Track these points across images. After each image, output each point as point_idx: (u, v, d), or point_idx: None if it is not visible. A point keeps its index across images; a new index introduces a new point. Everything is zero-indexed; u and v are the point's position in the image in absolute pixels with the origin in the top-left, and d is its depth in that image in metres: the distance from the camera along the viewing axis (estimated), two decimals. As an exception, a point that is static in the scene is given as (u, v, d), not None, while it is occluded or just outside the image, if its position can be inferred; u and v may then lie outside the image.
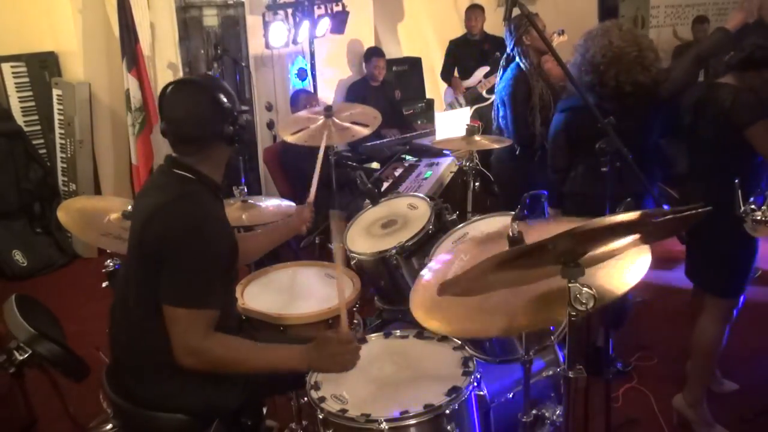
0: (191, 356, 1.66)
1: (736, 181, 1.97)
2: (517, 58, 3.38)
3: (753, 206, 1.93)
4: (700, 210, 1.16)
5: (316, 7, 5.18)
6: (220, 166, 1.85)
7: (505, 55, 3.50)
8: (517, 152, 3.37)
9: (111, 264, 2.45)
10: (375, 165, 4.85)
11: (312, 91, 5.27)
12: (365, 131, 2.93)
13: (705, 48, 2.71)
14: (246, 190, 2.90)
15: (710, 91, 2.43)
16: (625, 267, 1.39)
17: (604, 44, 2.63)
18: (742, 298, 2.57)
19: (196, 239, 1.66)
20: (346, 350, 1.74)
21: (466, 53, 5.67)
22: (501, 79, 3.51)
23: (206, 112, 1.74)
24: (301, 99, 4.42)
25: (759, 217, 1.90)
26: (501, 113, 3.49)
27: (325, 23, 5.23)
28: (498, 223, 2.20)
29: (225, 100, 1.76)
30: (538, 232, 1.70)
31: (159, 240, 1.67)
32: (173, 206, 1.70)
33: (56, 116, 4.67)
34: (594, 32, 2.70)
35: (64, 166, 4.74)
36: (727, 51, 2.47)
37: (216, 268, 1.71)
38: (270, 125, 5.10)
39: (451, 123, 4.62)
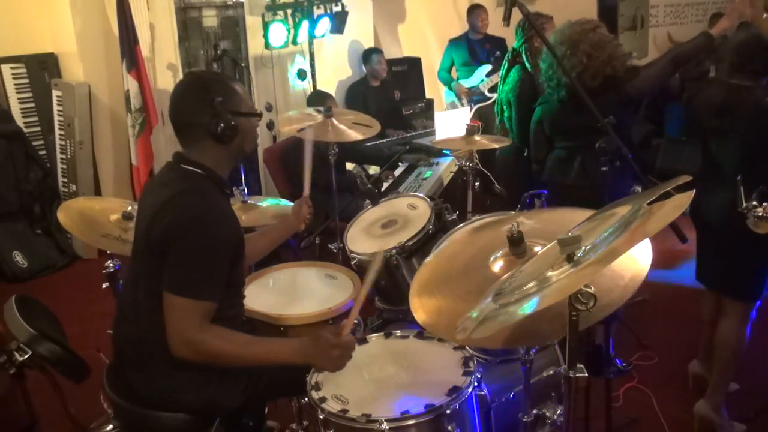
0: (185, 346, 1.65)
1: (739, 177, 1.98)
2: (524, 59, 3.34)
3: (755, 202, 1.94)
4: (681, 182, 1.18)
5: (315, 7, 5.18)
6: (221, 162, 1.83)
7: (508, 55, 3.48)
8: (525, 153, 3.29)
9: (111, 265, 2.46)
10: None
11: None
12: (362, 135, 2.93)
13: (684, 51, 2.71)
14: (246, 190, 2.90)
15: (741, 93, 2.38)
16: (626, 266, 1.39)
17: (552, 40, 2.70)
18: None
19: (198, 229, 1.66)
20: (341, 351, 1.70)
21: (466, 53, 5.67)
22: (505, 79, 3.48)
23: (187, 102, 1.77)
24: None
25: (760, 213, 1.91)
26: (506, 114, 3.45)
27: (325, 23, 5.23)
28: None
29: (211, 94, 1.73)
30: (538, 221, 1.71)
31: (164, 233, 1.68)
32: (178, 199, 1.71)
33: (56, 117, 4.67)
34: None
35: (64, 167, 4.73)
36: (706, 56, 2.50)
37: (218, 260, 1.70)
38: (270, 126, 5.09)
39: (451, 123, 4.62)
